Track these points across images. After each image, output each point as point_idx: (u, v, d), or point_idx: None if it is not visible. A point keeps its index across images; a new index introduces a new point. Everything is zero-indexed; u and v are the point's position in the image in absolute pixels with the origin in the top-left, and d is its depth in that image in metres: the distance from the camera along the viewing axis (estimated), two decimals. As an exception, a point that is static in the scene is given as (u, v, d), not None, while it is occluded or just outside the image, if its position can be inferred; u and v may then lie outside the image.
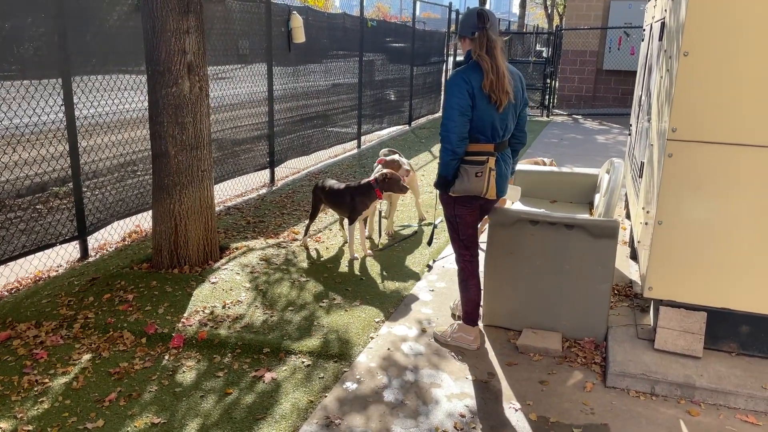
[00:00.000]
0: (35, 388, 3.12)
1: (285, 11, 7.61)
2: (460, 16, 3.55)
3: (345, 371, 3.32)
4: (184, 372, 3.31)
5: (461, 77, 3.18)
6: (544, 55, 19.02)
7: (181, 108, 4.30)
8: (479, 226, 3.69)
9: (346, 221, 5.00)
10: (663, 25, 4.10)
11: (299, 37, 7.76)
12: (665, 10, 4.11)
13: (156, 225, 4.52)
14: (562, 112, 15.45)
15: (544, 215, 3.61)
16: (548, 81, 15.10)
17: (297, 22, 7.69)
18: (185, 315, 3.85)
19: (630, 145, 6.12)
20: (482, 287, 3.69)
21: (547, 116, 14.80)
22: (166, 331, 3.67)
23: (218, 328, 3.71)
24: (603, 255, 3.52)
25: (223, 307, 3.98)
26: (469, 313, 3.58)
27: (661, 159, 3.32)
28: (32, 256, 4.56)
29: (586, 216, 3.77)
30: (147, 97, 4.39)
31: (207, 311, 3.90)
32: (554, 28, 16.82)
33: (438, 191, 3.47)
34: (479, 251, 3.62)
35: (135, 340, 3.62)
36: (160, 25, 4.15)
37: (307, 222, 5.27)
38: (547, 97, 15.12)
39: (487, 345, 3.62)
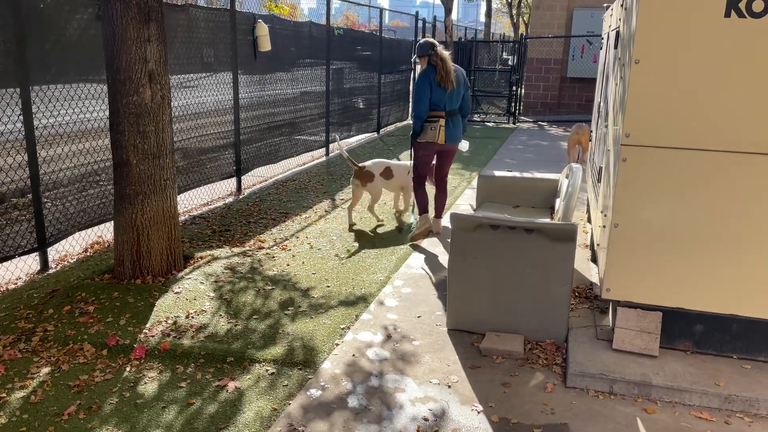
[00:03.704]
0: (-9, 403, 3.05)
1: (250, 19, 7.60)
2: (417, 45, 5.60)
3: (309, 378, 3.32)
4: (145, 383, 3.27)
5: (425, 74, 5.41)
6: (510, 63, 19.30)
7: (143, 116, 4.27)
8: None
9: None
10: (618, 33, 4.22)
11: (265, 45, 7.76)
12: (619, 20, 4.23)
13: (118, 235, 4.46)
14: (527, 119, 15.69)
15: (504, 220, 3.67)
16: (514, 88, 15.33)
17: (262, 30, 7.69)
18: (147, 326, 3.81)
19: (591, 151, 6.26)
20: (447, 286, 3.89)
21: (514, 123, 15.01)
22: (127, 343, 3.62)
23: (181, 338, 3.68)
24: (562, 258, 3.59)
25: (187, 317, 3.94)
26: (421, 207, 5.78)
27: (616, 163, 3.41)
28: (-10, 268, 4.47)
29: (545, 220, 3.84)
30: (108, 106, 4.35)
31: (170, 321, 3.87)
32: (519, 37, 17.09)
33: (411, 141, 5.61)
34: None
35: (96, 352, 3.57)
36: (120, 33, 4.12)
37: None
38: (513, 104, 15.34)
39: (451, 349, 3.66)
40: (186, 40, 6.53)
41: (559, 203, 4.49)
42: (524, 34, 17.70)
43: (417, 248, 5.45)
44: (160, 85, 4.33)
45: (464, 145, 5.84)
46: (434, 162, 5.79)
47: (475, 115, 15.81)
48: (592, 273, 4.65)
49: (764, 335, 3.34)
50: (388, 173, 6.07)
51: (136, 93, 4.22)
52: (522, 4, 34.54)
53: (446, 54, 5.39)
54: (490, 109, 16.69)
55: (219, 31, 7.09)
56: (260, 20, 7.72)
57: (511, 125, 14.69)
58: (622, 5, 4.16)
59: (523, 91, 16.13)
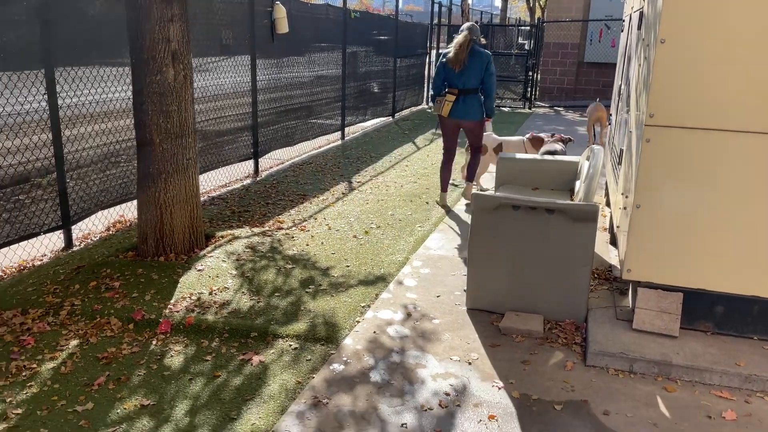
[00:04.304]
0: (23, 373, 3.14)
1: (268, 2, 7.60)
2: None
3: (332, 353, 3.37)
4: (171, 356, 3.34)
5: (441, 55, 6.15)
6: (526, 47, 19.15)
7: (166, 96, 4.31)
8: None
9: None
10: (641, 14, 4.19)
11: (282, 27, 7.76)
12: (643, 0, 4.20)
13: (141, 213, 4.53)
14: (543, 104, 15.59)
15: (526, 200, 3.68)
16: (530, 73, 15.22)
17: (280, 12, 7.69)
18: (172, 301, 3.88)
19: (610, 134, 6.23)
20: (467, 266, 3.95)
21: (529, 108, 14.93)
22: (153, 317, 3.69)
23: (205, 314, 3.74)
24: (583, 238, 3.60)
25: (210, 293, 4.01)
26: (442, 183, 6.40)
27: (639, 144, 3.40)
28: (16, 245, 4.55)
29: (566, 200, 3.85)
30: (131, 87, 4.39)
31: (194, 298, 3.94)
32: (536, 21, 16.95)
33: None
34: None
35: (122, 326, 3.64)
36: (144, 14, 4.15)
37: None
38: (529, 89, 15.25)
39: (471, 327, 3.70)
40: (205, 22, 6.56)
41: (579, 185, 4.49)
42: (541, 18, 17.55)
43: (435, 230, 5.48)
44: (182, 64, 4.36)
45: (488, 126, 6.31)
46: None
47: (491, 100, 15.71)
48: (611, 256, 4.66)
49: (785, 317, 3.35)
50: (499, 148, 6.75)
51: (160, 72, 4.26)
52: (538, -11, 34.14)
53: (459, 38, 5.99)
54: (506, 94, 16.59)
55: (237, 13, 7.11)
56: (278, 2, 7.72)
57: (526, 110, 14.61)
58: (646, -14, 4.13)
59: (539, 76, 16.01)
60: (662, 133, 3.27)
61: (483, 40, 6.21)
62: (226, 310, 3.80)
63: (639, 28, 4.25)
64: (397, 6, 12.89)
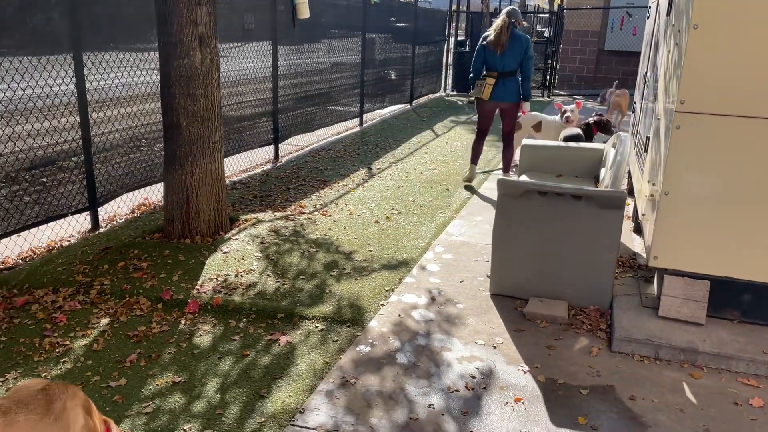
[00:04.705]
0: (57, 350, 3.20)
1: (290, -13, 7.59)
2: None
3: (358, 335, 3.41)
4: (200, 336, 3.40)
5: (482, 38, 6.30)
6: (546, 35, 18.97)
7: (193, 79, 4.34)
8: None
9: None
10: (671, 0, 4.15)
11: (304, 12, 7.75)
12: (673, -14, 4.15)
13: (168, 196, 4.58)
14: (563, 93, 15.47)
15: (553, 186, 3.68)
16: (549, 61, 15.09)
17: (302, -3, 7.68)
18: (199, 282, 3.93)
19: (634, 122, 6.19)
20: (491, 251, 3.94)
21: (548, 96, 14.83)
22: (181, 298, 3.75)
23: (232, 295, 3.79)
24: (609, 225, 3.60)
25: (236, 275, 4.06)
26: (472, 156, 6.59)
27: (669, 131, 3.39)
28: (45, 226, 4.63)
29: (594, 187, 3.84)
30: (159, 69, 4.43)
31: (220, 279, 3.99)
32: (557, 8, 16.77)
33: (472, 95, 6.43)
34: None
35: (151, 305, 3.70)
36: (172, -3, 4.18)
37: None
38: (548, 77, 15.13)
39: (495, 312, 3.72)
40: (228, 7, 6.57)
41: (604, 172, 4.48)
42: (561, 5, 17.37)
43: (456, 216, 5.49)
44: (209, 48, 4.39)
45: (526, 106, 6.46)
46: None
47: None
48: (635, 244, 4.65)
49: (813, 306, 3.33)
50: (538, 126, 6.99)
51: (187, 56, 4.29)
52: (557, -24, 33.82)
53: (498, 21, 6.17)
54: (524, 82, 16.46)
55: (259, -2, 7.12)
56: (300, -13, 7.71)
57: (546, 98, 14.51)
58: (676, -29, 4.08)
59: (558, 64, 15.88)
60: (693, 120, 3.24)
61: (524, 24, 6.36)
62: (253, 292, 3.84)
63: (668, 14, 4.20)
64: (416, -8, 12.82)
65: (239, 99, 6.99)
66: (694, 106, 3.23)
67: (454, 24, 15.77)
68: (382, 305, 3.76)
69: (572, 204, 3.64)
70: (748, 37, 3.09)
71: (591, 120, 6.89)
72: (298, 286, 3.95)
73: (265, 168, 7.25)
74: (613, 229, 3.61)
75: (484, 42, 6.19)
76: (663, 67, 4.07)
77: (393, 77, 11.87)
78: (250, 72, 7.06)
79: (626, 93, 9.54)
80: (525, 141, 5.20)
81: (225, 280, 3.97)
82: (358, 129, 10.06)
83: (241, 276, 4.05)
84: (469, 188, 6.48)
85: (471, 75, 6.34)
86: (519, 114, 6.52)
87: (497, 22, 6.15)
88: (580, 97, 7.18)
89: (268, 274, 4.10)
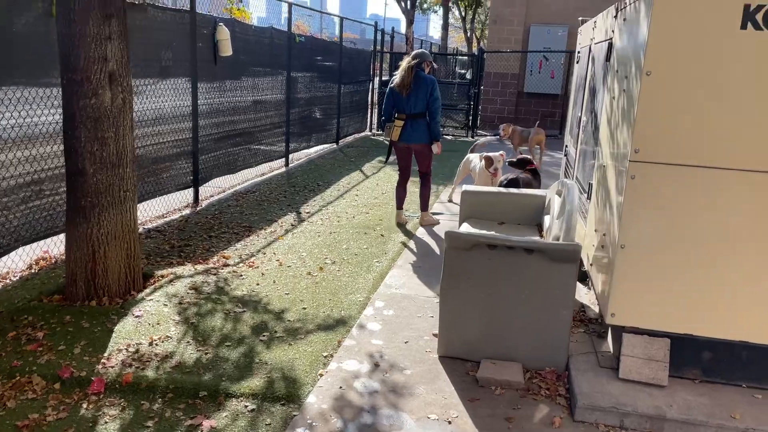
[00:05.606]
0: None
1: (211, 23, 7.20)
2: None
3: (294, 415, 2.98)
4: (106, 422, 2.87)
5: (390, 82, 6.32)
6: (467, 76, 19.35)
7: (102, 121, 3.86)
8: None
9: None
10: (610, 45, 4.08)
11: (226, 50, 7.37)
12: (612, 31, 4.09)
13: (70, 251, 4.01)
14: (485, 133, 15.67)
15: (503, 239, 3.43)
16: (472, 102, 15.29)
17: (224, 34, 7.30)
18: (106, 355, 3.39)
19: (567, 166, 6.13)
20: (439, 309, 3.63)
21: (472, 136, 14.96)
22: (83, 375, 3.20)
23: (145, 369, 3.28)
24: (563, 280, 3.37)
25: (150, 344, 3.54)
26: (397, 201, 6.55)
27: (621, 181, 3.22)
28: None
29: (536, 238, 3.63)
30: (61, 110, 3.91)
31: (131, 349, 3.46)
32: (478, 51, 17.12)
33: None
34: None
35: (47, 385, 3.13)
36: (78, 30, 3.71)
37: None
38: (471, 117, 15.30)
39: (446, 379, 3.38)
40: (144, 41, 6.09)
41: (549, 220, 4.30)
42: (481, 48, 17.79)
43: (393, 266, 5.17)
44: (121, 87, 3.93)
45: (435, 148, 6.30)
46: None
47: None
48: (582, 294, 4.47)
49: (772, 362, 3.20)
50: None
51: (95, 95, 3.81)
52: (475, 20, 34.99)
53: (403, 63, 6.20)
54: (448, 122, 16.61)
55: (178, 34, 6.67)
56: (221, 24, 7.34)
57: (469, 138, 14.63)
58: (615, 17, 4.02)
59: (480, 105, 16.12)
60: (648, 170, 3.09)
61: (436, 65, 6.31)
62: (169, 364, 3.34)
63: (608, 59, 4.13)
64: (341, 31, 12.69)
65: (156, 139, 6.45)
66: (649, 156, 3.09)
67: (378, 64, 15.75)
68: (321, 375, 3.35)
69: (524, 257, 3.39)
70: (701, 85, 2.98)
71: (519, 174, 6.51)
72: (222, 355, 3.48)
73: (184, 213, 6.71)
74: (568, 284, 3.38)
75: (392, 84, 6.22)
76: (606, 113, 3.96)
77: (319, 116, 11.58)
78: (167, 110, 6.56)
79: (542, 131, 10.35)
80: (465, 187, 4.99)
81: (137, 351, 3.45)
82: (284, 170, 9.65)
83: (156, 345, 3.53)
84: (405, 232, 6.20)
85: (383, 118, 6.36)
86: (434, 153, 6.31)
87: (402, 64, 6.17)
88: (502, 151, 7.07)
89: (188, 342, 3.60)
